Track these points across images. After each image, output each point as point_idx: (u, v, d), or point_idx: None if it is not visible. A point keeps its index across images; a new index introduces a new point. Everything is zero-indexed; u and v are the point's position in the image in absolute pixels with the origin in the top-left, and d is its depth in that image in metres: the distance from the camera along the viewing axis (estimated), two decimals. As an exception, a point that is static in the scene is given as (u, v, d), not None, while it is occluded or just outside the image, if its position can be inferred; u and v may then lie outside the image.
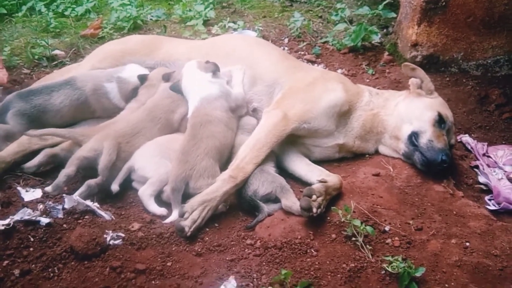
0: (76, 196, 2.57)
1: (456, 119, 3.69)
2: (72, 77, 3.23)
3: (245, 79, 3.23)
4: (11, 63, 4.36)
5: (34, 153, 2.92)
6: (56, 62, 4.43)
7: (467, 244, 2.45)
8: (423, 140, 2.96)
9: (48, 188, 2.69)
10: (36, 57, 4.45)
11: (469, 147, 3.48)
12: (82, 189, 2.66)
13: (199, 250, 2.39)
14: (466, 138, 3.56)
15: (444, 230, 2.53)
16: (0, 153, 2.84)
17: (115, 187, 2.70)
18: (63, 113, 3.11)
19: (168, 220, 2.57)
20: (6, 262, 2.24)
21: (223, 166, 2.81)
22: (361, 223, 2.42)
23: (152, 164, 2.75)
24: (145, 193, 2.69)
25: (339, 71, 4.33)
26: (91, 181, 2.67)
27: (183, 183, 2.60)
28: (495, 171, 3.25)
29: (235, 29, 5.02)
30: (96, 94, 3.19)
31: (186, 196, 2.61)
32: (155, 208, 2.64)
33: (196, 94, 2.98)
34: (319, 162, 3.09)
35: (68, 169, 2.70)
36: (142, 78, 3.26)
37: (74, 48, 4.65)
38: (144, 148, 2.82)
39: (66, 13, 5.43)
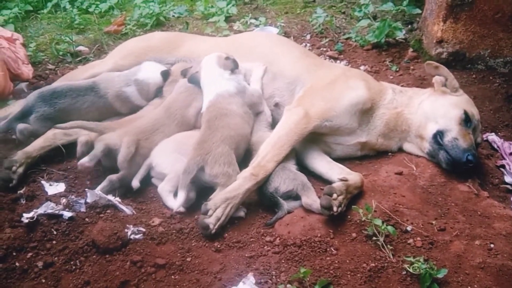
0: (98, 190, 2.61)
1: (482, 117, 3.60)
2: (94, 82, 3.23)
3: (266, 75, 3.22)
4: (37, 59, 4.46)
5: (59, 148, 2.96)
6: (80, 58, 4.51)
7: (492, 245, 2.39)
8: (448, 139, 2.90)
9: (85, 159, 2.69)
10: (61, 53, 4.54)
11: (496, 146, 3.39)
12: (104, 183, 2.69)
13: (218, 246, 2.40)
14: (492, 137, 3.46)
15: (467, 231, 2.48)
16: (27, 148, 2.91)
17: (135, 183, 2.73)
18: (88, 116, 3.12)
19: (176, 204, 2.57)
20: (30, 254, 2.30)
21: (241, 161, 2.81)
22: (382, 222, 2.38)
23: (169, 161, 2.77)
24: (164, 189, 2.71)
25: (362, 67, 4.28)
26: (113, 176, 2.71)
27: (196, 167, 2.59)
28: (522, 171, 3.17)
29: (257, 26, 5.01)
30: (119, 100, 3.22)
31: (204, 187, 2.65)
32: (173, 203, 2.66)
33: (212, 89, 2.99)
34: (341, 160, 3.05)
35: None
36: (165, 74, 3.28)
37: (98, 45, 4.72)
38: (162, 145, 2.84)
39: (90, 9, 5.54)
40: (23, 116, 3.07)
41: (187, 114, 3.06)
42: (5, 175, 2.69)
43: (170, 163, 2.77)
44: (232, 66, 3.06)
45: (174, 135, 2.92)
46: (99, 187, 2.68)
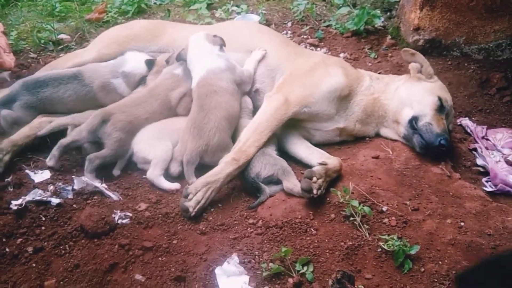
0: (84, 177, 2.67)
1: (457, 103, 3.75)
2: (79, 71, 3.25)
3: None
4: (18, 47, 4.44)
5: (44, 136, 3.01)
6: (62, 46, 4.51)
7: (462, 224, 2.53)
8: (422, 123, 3.02)
9: (48, 161, 2.81)
10: (42, 41, 4.53)
11: (469, 130, 3.54)
12: (86, 164, 2.77)
13: (203, 229, 2.49)
14: (466, 121, 3.61)
15: (440, 211, 2.61)
16: (12, 137, 2.94)
17: (116, 172, 2.83)
18: (70, 106, 3.17)
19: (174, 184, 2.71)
20: (19, 240, 2.36)
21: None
22: (359, 203, 2.51)
23: (150, 146, 2.85)
24: (153, 174, 2.79)
25: (342, 55, 4.38)
26: (91, 155, 2.79)
27: (198, 157, 2.73)
28: (493, 154, 3.32)
29: (238, 13, 5.06)
30: (105, 90, 3.25)
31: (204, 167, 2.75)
32: (168, 185, 2.75)
33: (203, 65, 3.05)
34: (320, 145, 3.16)
35: (65, 140, 2.84)
36: (150, 63, 3.33)
37: (80, 32, 4.72)
38: (141, 132, 2.91)
39: (71, -3, 5.49)
40: (6, 102, 3.11)
41: (171, 96, 3.12)
42: None
43: (151, 148, 2.84)
44: (221, 42, 3.13)
45: (154, 115, 2.98)
46: (84, 170, 2.76)
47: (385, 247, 2.31)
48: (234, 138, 2.93)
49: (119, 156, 2.86)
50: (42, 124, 3.02)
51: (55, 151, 2.82)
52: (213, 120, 2.79)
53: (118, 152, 2.84)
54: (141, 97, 3.07)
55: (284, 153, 3.06)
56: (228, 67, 3.06)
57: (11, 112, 3.10)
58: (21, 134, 2.98)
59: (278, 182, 2.72)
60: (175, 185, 2.76)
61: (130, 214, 2.51)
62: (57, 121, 3.03)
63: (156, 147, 2.84)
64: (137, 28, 3.77)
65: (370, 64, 4.28)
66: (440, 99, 3.09)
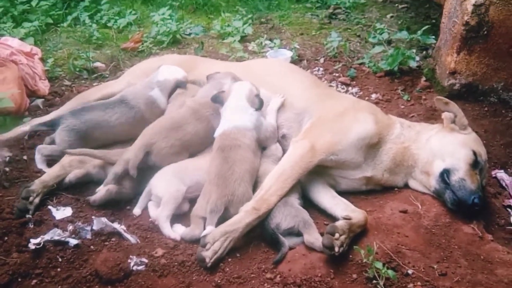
0: (104, 219, 2.66)
1: (492, 152, 3.59)
2: (122, 96, 3.30)
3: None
4: (54, 74, 4.55)
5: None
6: (96, 74, 4.58)
7: (493, 294, 2.38)
8: (455, 179, 2.89)
9: (95, 196, 2.85)
10: (77, 69, 4.62)
11: (504, 184, 3.37)
12: (108, 177, 2.83)
13: (218, 281, 2.42)
14: (501, 174, 3.44)
15: (469, 277, 2.46)
16: (43, 177, 2.93)
17: (137, 211, 2.81)
18: (116, 130, 3.18)
19: (202, 234, 2.57)
20: (34, 281, 2.35)
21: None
22: (383, 265, 2.39)
23: (164, 182, 2.81)
24: (161, 215, 2.72)
25: (374, 95, 4.29)
26: (117, 168, 2.83)
27: (223, 206, 2.64)
28: (530, 212, 3.14)
29: (271, 47, 5.05)
30: (149, 107, 3.30)
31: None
32: (169, 232, 2.68)
33: (232, 119, 3.02)
34: (346, 193, 3.06)
35: (116, 168, 2.85)
36: (182, 84, 3.42)
37: (114, 61, 4.79)
38: (161, 171, 2.88)
39: (109, 24, 5.63)
40: (50, 125, 3.19)
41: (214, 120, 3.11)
42: (23, 205, 2.72)
43: (164, 185, 2.80)
44: (258, 105, 3.08)
45: (173, 164, 2.94)
46: (105, 181, 2.83)
47: (408, 317, 2.19)
48: (255, 187, 2.87)
49: None
50: (72, 163, 3.01)
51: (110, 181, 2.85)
52: (238, 172, 2.74)
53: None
54: (183, 117, 3.07)
55: (307, 200, 2.98)
56: (256, 126, 3.02)
57: (46, 146, 3.19)
58: (51, 175, 2.96)
59: (298, 233, 2.64)
60: (175, 235, 2.66)
61: (146, 261, 2.47)
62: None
63: (169, 184, 2.79)
64: (169, 61, 3.80)
65: (402, 106, 4.17)
66: (474, 153, 2.96)
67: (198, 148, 3.09)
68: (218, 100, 3.13)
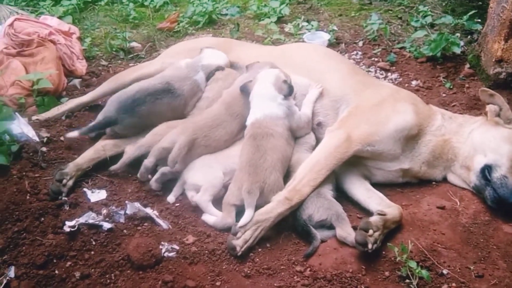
0: (137, 203, 2.68)
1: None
2: (169, 84, 3.21)
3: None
4: (91, 54, 4.59)
5: (108, 159, 3.04)
6: (132, 55, 4.59)
7: (532, 299, 2.28)
8: (497, 175, 2.77)
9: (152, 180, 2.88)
10: (114, 49, 4.64)
11: (550, 181, 3.20)
12: (156, 175, 2.84)
13: (248, 271, 2.41)
14: (547, 171, 3.27)
15: (507, 280, 2.36)
16: (77, 160, 2.97)
17: (171, 198, 2.82)
18: (163, 116, 3.16)
19: (241, 222, 2.54)
20: (69, 263, 2.41)
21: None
22: (417, 264, 2.32)
23: (201, 173, 2.82)
24: (202, 198, 2.74)
25: (414, 82, 4.13)
26: (165, 169, 2.82)
27: (258, 189, 2.60)
28: None
29: (308, 29, 4.92)
30: (193, 91, 3.29)
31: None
32: (214, 211, 2.70)
33: (261, 108, 2.96)
34: (381, 185, 2.98)
35: (148, 160, 2.85)
36: (221, 68, 3.39)
37: (150, 42, 4.79)
38: (194, 162, 2.88)
39: (146, 3, 5.61)
40: (106, 126, 3.15)
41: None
42: (56, 187, 2.76)
43: (202, 175, 2.81)
44: (287, 92, 2.99)
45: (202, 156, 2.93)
46: (153, 178, 2.84)
47: (442, 320, 2.13)
48: (287, 176, 2.83)
49: None
50: (106, 147, 3.05)
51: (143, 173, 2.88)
52: (270, 160, 2.70)
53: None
54: (219, 115, 3.04)
55: (341, 192, 2.92)
56: (287, 114, 2.95)
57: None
58: (85, 158, 2.99)
59: (331, 226, 2.59)
60: (215, 220, 2.68)
61: (177, 247, 2.49)
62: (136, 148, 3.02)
63: (207, 174, 2.81)
64: (204, 43, 3.76)
65: (444, 94, 4.00)
66: (518, 149, 2.81)
67: (229, 146, 3.05)
68: (245, 89, 3.08)
